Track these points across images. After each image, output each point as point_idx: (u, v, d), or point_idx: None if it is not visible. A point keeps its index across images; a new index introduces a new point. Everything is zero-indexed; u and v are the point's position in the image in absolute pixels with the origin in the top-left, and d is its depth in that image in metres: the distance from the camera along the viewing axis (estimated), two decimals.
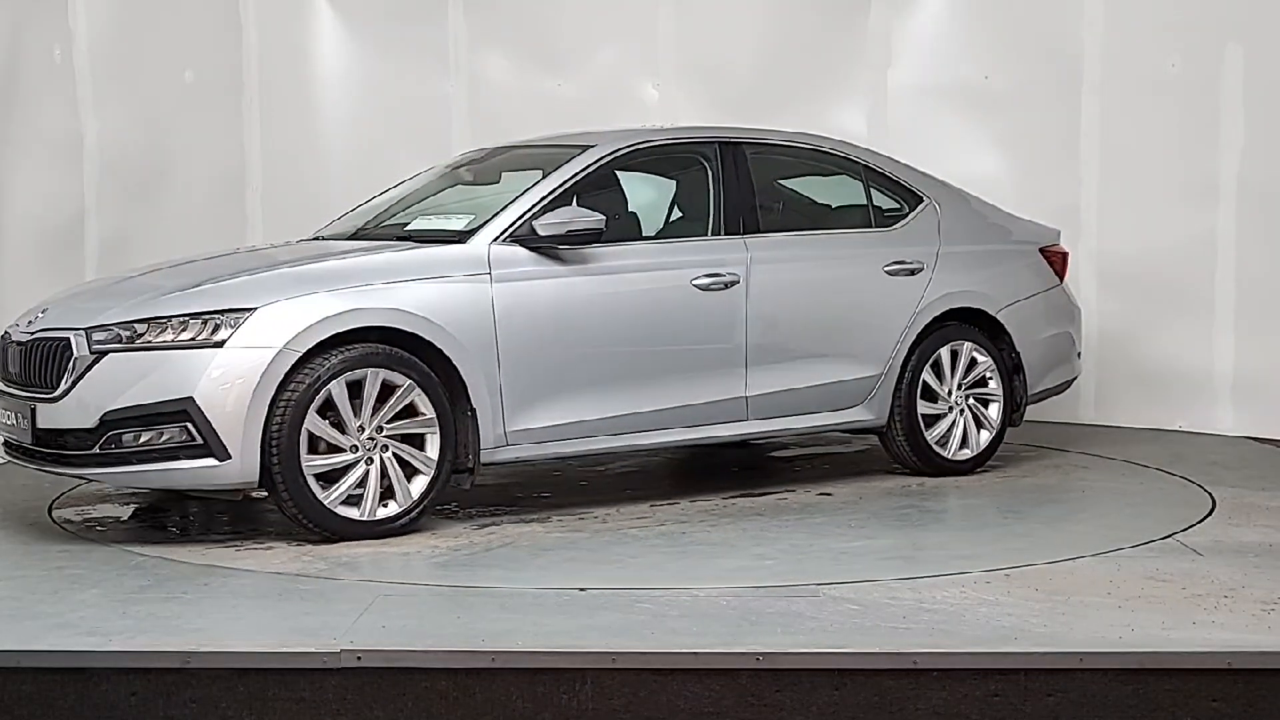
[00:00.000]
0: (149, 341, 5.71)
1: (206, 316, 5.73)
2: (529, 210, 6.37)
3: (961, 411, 7.31)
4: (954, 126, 9.16)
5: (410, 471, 5.95)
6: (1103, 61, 9.04)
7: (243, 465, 5.64)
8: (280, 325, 5.71)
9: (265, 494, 5.84)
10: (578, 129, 7.44)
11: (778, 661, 4.26)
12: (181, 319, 5.73)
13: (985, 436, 7.37)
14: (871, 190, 7.38)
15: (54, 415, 5.82)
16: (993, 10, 9.31)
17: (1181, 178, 8.80)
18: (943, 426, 7.25)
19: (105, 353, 5.73)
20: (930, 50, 9.39)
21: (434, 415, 5.93)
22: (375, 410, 5.85)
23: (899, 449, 7.25)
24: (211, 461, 5.64)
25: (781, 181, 7.37)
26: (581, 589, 5.03)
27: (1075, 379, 8.05)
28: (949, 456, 7.28)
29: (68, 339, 5.84)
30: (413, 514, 5.95)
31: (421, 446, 5.96)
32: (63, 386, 5.79)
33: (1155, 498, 6.81)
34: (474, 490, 6.70)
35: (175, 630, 4.59)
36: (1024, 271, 7.63)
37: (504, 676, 4.24)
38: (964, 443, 7.31)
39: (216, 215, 9.44)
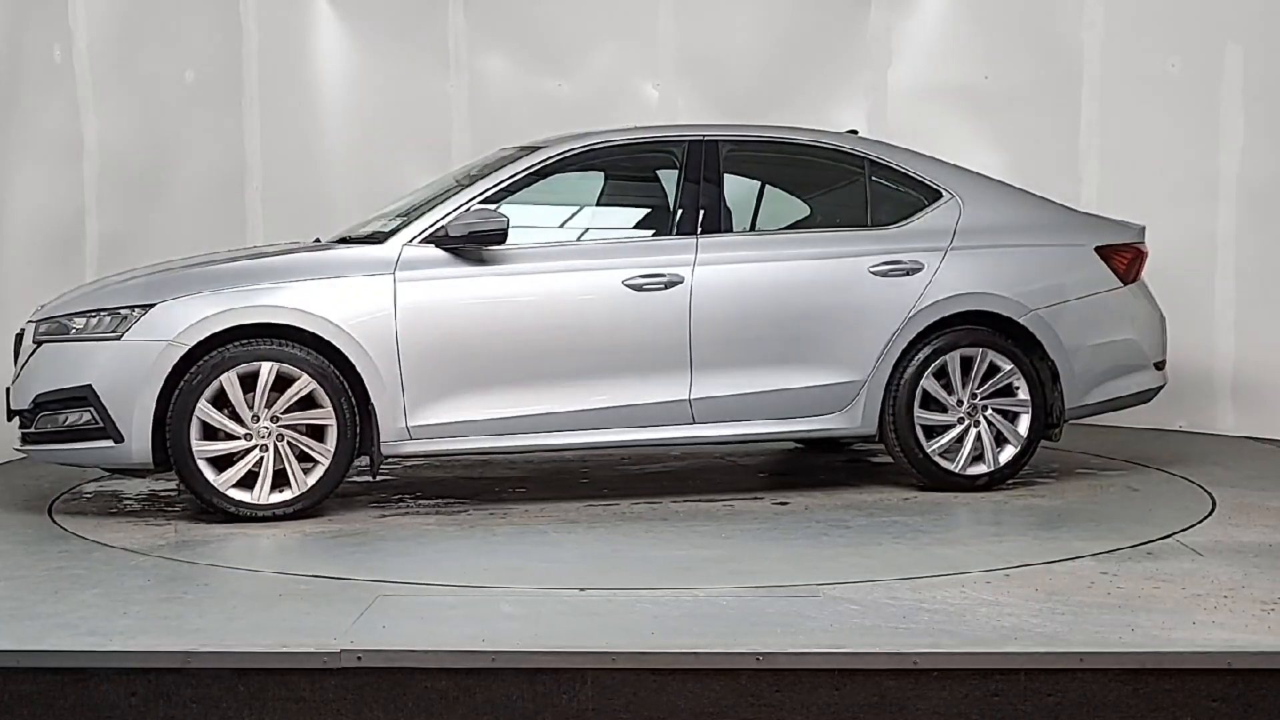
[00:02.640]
0: (74, 333, 6.31)
1: (118, 311, 6.28)
2: (452, 212, 6.52)
3: (976, 423, 6.81)
4: (954, 126, 9.16)
5: (310, 461, 6.27)
6: (1103, 61, 9.04)
7: (137, 447, 6.19)
8: (170, 321, 6.21)
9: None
10: (583, 129, 7.38)
11: (778, 661, 4.26)
12: (99, 313, 6.31)
13: (1010, 451, 6.86)
14: (875, 187, 7.03)
15: (13, 397, 6.48)
16: (992, 10, 9.32)
17: (1181, 178, 8.81)
18: (949, 438, 6.81)
19: (43, 343, 6.38)
20: (930, 50, 9.40)
21: (330, 408, 6.23)
22: (272, 401, 6.22)
23: (899, 461, 6.88)
24: (109, 443, 6.21)
25: (766, 180, 7.23)
26: (581, 589, 5.03)
27: (1153, 390, 7.32)
28: (956, 470, 6.81)
29: (24, 330, 6.55)
30: (305, 501, 6.26)
31: (323, 438, 6.27)
32: (16, 372, 6.50)
33: (1155, 498, 6.81)
34: (446, 480, 6.86)
35: (175, 630, 4.59)
36: (1067, 272, 7.02)
37: (504, 676, 4.24)
38: (979, 457, 6.84)
39: (216, 215, 9.44)
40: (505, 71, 9.67)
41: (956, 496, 6.75)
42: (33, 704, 4.26)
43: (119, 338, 6.22)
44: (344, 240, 6.81)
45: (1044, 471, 7.40)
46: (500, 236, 6.42)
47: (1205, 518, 6.32)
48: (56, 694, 4.26)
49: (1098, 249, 7.12)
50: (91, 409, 6.20)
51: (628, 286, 6.54)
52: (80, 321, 6.32)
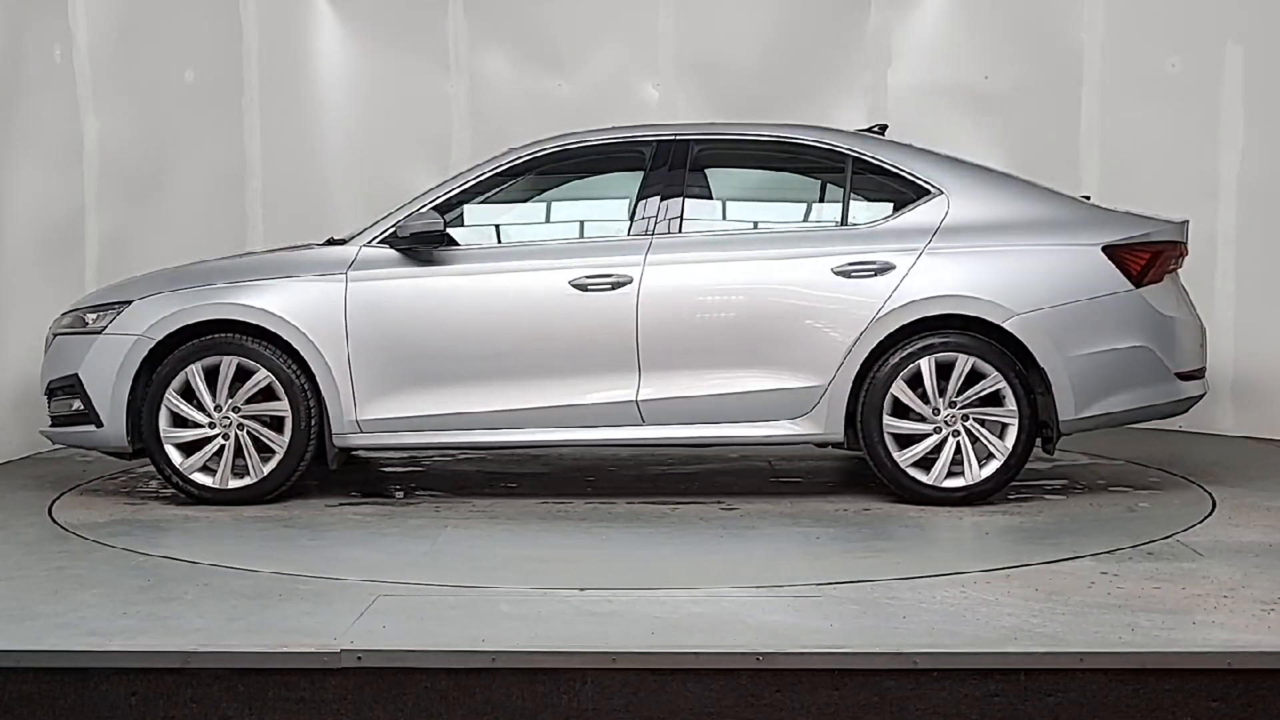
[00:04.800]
0: (80, 327, 6.79)
1: (109, 306, 6.77)
2: (413, 213, 6.71)
3: (956, 433, 6.45)
4: (954, 126, 9.16)
5: (268, 450, 6.61)
6: (1103, 61, 9.04)
7: (113, 432, 6.66)
8: (141, 317, 6.66)
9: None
10: (582, 129, 7.35)
11: (778, 661, 4.26)
12: (98, 308, 6.81)
13: (994, 465, 6.47)
14: (856, 184, 6.74)
15: (40, 384, 6.99)
16: (993, 10, 9.32)
17: (1181, 178, 8.80)
18: (922, 448, 6.47)
19: (58, 335, 6.90)
20: (930, 50, 9.40)
21: (286, 400, 6.56)
22: (234, 393, 6.59)
23: (872, 471, 6.61)
24: (92, 427, 6.69)
25: (740, 180, 7.13)
26: (581, 589, 5.03)
27: (1178, 402, 6.73)
28: (930, 483, 6.46)
29: (51, 324, 7.06)
30: (262, 488, 6.60)
31: (281, 429, 6.60)
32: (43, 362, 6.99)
33: (1155, 498, 6.81)
34: (443, 471, 7.00)
35: (175, 630, 4.59)
36: (1065, 273, 6.52)
37: (504, 676, 4.25)
38: (956, 470, 6.47)
39: (216, 215, 9.44)
40: (505, 71, 9.67)
41: (910, 507, 6.47)
42: (33, 704, 4.26)
43: (100, 332, 6.70)
44: (330, 242, 6.98)
45: (1038, 471, 7.40)
46: (438, 237, 6.60)
47: (1205, 518, 6.31)
48: (56, 694, 4.26)
49: (1106, 248, 6.57)
50: (80, 396, 6.70)
51: (574, 287, 6.54)
52: (91, 316, 6.79)
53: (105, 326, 6.68)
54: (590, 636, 4.48)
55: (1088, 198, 7.12)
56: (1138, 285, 6.57)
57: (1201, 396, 6.87)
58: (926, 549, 5.80)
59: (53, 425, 6.87)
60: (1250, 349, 8.74)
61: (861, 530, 6.11)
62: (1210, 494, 6.82)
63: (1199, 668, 4.25)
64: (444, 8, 9.62)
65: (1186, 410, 6.90)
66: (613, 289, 6.53)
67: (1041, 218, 6.70)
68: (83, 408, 6.68)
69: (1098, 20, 9.04)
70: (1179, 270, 6.81)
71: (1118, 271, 6.56)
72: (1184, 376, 6.70)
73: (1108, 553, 5.60)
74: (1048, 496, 6.84)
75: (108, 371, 6.64)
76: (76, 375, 6.69)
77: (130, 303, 6.70)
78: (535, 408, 6.53)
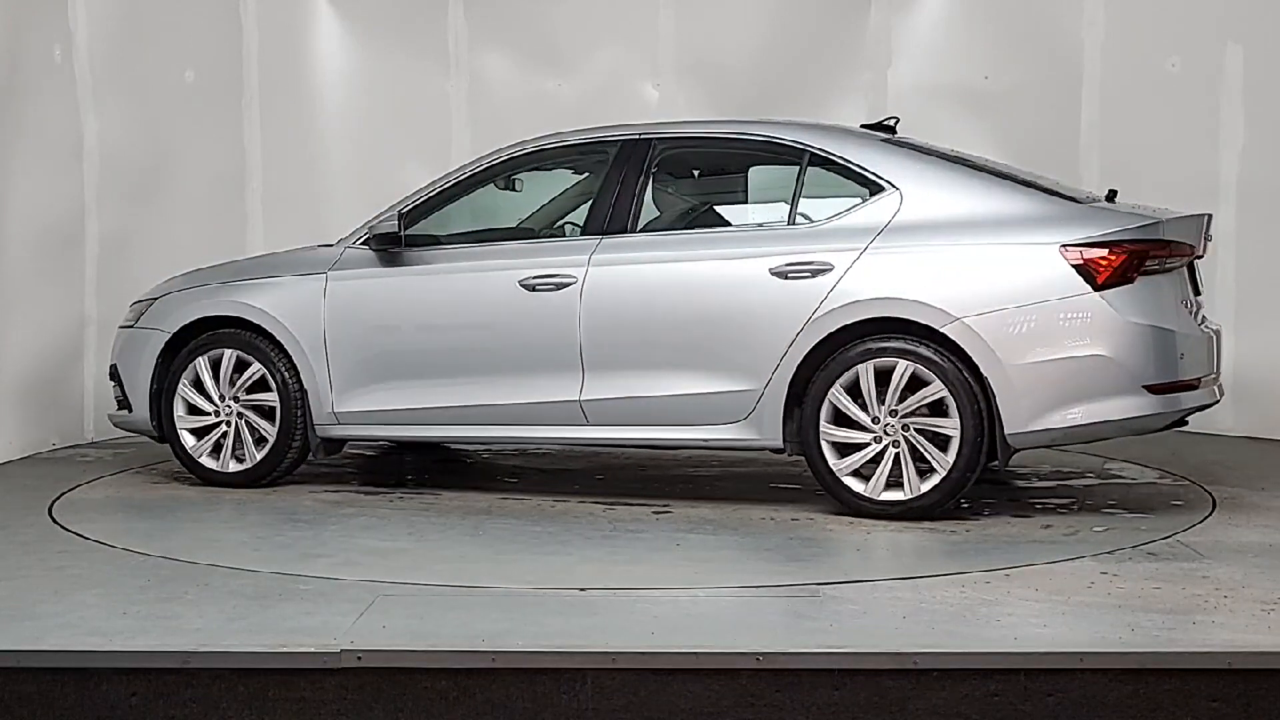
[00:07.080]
0: (134, 320, 7.36)
1: (145, 302, 7.38)
2: (389, 215, 6.94)
3: (896, 443, 6.10)
4: (954, 126, 9.13)
5: (264, 439, 7.03)
6: (1103, 61, 9.04)
7: (142, 417, 7.23)
8: (161, 313, 7.25)
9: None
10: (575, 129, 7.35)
11: (778, 661, 4.26)
12: (138, 303, 7.42)
13: (935, 479, 6.08)
14: (810, 181, 6.48)
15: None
16: (993, 10, 9.32)
17: (1181, 178, 8.79)
18: (859, 457, 6.16)
19: (120, 328, 7.48)
20: (930, 50, 9.40)
21: (276, 392, 6.97)
22: (235, 384, 7.06)
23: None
24: (126, 412, 7.33)
25: (698, 179, 7.12)
26: (581, 589, 5.03)
27: (1150, 417, 6.14)
28: (868, 495, 6.14)
29: None
30: (256, 472, 7.04)
31: (273, 419, 7.01)
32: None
33: (1155, 498, 6.81)
34: (484, 463, 6.98)
35: (175, 630, 4.59)
36: (1015, 274, 6.05)
37: (504, 676, 4.25)
38: (896, 482, 6.13)
39: (216, 215, 9.44)
40: (505, 71, 9.67)
41: (834, 518, 6.21)
42: (33, 704, 4.26)
43: (132, 326, 7.34)
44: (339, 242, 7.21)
45: (1036, 471, 7.39)
46: (394, 238, 6.83)
47: (1205, 518, 6.31)
48: (56, 694, 4.26)
49: (1065, 247, 6.02)
50: (119, 384, 7.34)
51: (523, 287, 6.61)
52: (144, 310, 7.36)
53: (134, 320, 7.33)
54: (590, 636, 4.48)
55: (1114, 193, 6.69)
56: (1101, 288, 5.99)
57: (1192, 410, 6.31)
58: (780, 563, 5.56)
59: (117, 409, 7.44)
60: (1250, 349, 8.73)
61: (746, 539, 5.94)
62: (1210, 494, 6.82)
63: (1199, 668, 4.24)
64: (444, 8, 9.63)
65: (1170, 426, 6.37)
66: (557, 289, 6.56)
67: (1001, 215, 6.21)
68: (121, 394, 7.31)
69: (1098, 20, 9.04)
70: (1175, 271, 6.27)
71: (1072, 272, 6.01)
72: (1159, 389, 6.09)
73: (1108, 553, 5.60)
74: (1046, 496, 6.83)
75: (135, 362, 7.23)
76: (115, 365, 7.37)
77: (155, 300, 7.31)
78: (487, 405, 6.69)
